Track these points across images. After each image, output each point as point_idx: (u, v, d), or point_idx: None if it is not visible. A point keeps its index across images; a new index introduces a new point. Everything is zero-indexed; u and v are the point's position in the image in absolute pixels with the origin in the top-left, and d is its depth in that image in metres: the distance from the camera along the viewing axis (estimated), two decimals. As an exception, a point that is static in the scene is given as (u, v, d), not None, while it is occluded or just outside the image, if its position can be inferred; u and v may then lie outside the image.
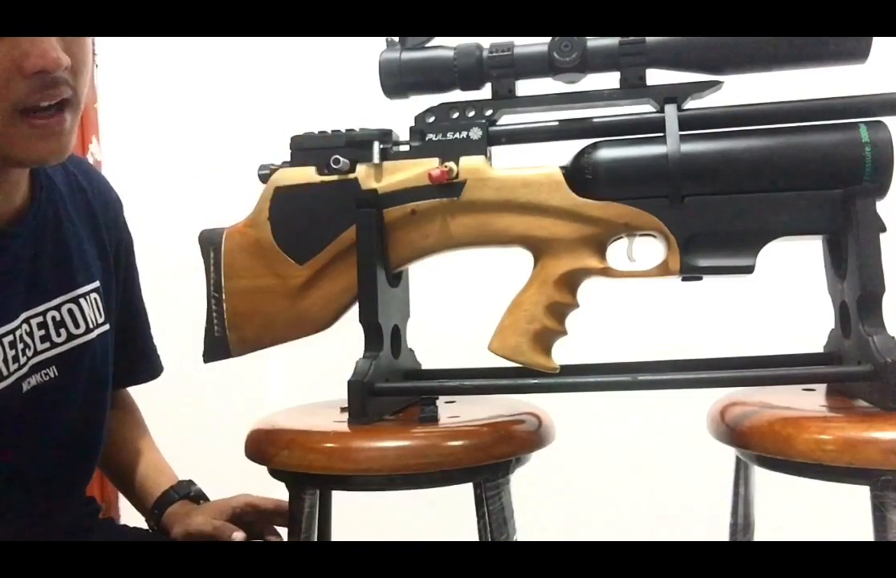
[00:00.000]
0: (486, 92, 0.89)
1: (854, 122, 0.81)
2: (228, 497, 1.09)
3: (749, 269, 0.83)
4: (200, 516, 1.06)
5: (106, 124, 1.70)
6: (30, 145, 0.86)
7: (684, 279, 0.85)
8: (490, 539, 0.83)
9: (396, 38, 0.89)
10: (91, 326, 1.02)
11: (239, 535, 1.03)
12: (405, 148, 0.90)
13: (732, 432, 0.82)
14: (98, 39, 0.90)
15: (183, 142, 1.89)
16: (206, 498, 1.12)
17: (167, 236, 1.61)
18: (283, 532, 0.99)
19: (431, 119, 0.89)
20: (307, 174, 0.91)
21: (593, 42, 0.85)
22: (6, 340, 0.92)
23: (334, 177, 0.90)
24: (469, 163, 0.87)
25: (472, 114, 0.89)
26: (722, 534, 0.95)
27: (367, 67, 0.90)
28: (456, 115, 0.89)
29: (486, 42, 0.88)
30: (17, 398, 0.93)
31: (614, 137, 0.86)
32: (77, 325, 1.00)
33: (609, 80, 0.87)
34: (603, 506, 1.81)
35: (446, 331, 1.56)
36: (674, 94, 0.85)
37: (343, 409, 0.87)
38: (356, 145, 0.90)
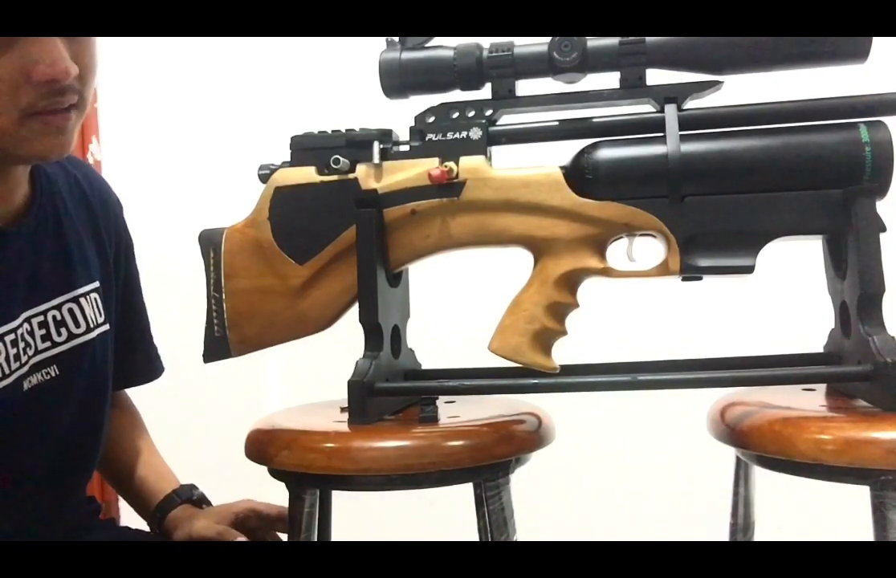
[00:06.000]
0: (486, 92, 0.89)
1: (854, 122, 0.81)
2: (231, 502, 1.08)
3: (749, 269, 0.83)
4: (203, 520, 1.06)
5: (106, 124, 1.70)
6: (34, 141, 0.86)
7: (684, 279, 0.85)
8: (490, 539, 0.83)
9: (396, 38, 0.89)
10: (91, 326, 1.02)
11: (241, 540, 1.02)
12: (405, 148, 0.90)
13: (732, 432, 0.82)
14: (98, 40, 0.90)
15: (183, 142, 1.89)
16: (208, 503, 1.12)
17: (167, 236, 1.61)
18: (286, 539, 0.98)
19: (431, 119, 0.89)
20: (307, 174, 0.91)
21: (593, 42, 0.85)
22: (7, 339, 0.92)
23: (334, 177, 0.90)
24: (469, 163, 0.87)
25: (472, 114, 0.89)
26: (722, 534, 0.95)
27: (367, 67, 0.90)
28: (456, 115, 0.89)
29: (486, 42, 0.88)
30: (18, 397, 0.93)
31: (614, 137, 0.86)
32: (77, 325, 1.00)
33: (609, 80, 0.87)
34: (603, 506, 1.81)
35: (446, 331, 1.57)
36: (674, 94, 0.85)
37: (343, 409, 0.87)
38: (356, 145, 0.90)
